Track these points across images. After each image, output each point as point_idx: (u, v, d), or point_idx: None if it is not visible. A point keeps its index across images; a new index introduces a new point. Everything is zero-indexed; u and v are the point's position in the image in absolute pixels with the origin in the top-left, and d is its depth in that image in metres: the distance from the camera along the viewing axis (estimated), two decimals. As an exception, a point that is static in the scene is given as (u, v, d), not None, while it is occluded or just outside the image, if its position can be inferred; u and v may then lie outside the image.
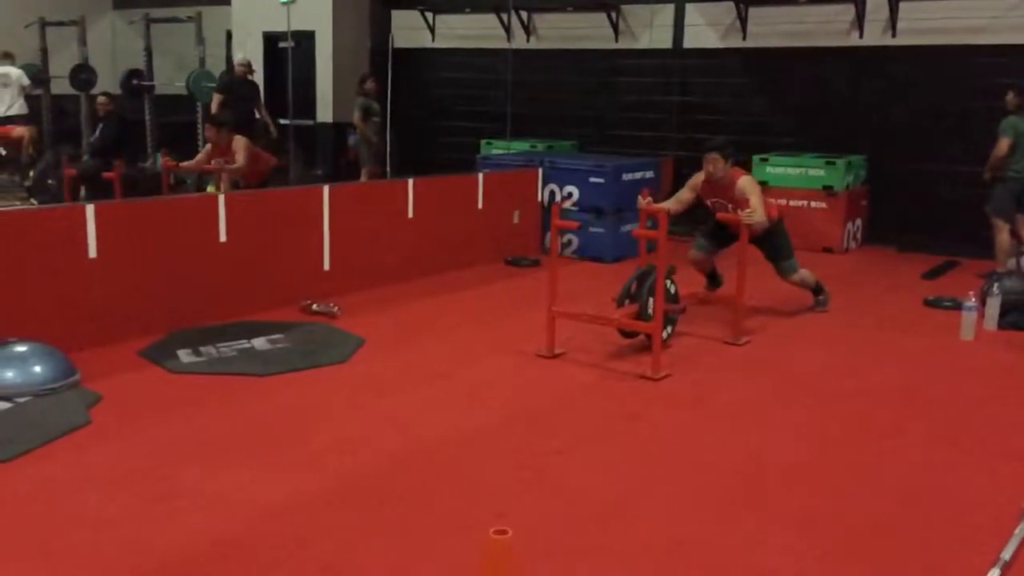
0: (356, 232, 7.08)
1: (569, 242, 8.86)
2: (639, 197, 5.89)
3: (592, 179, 8.79)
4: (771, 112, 10.42)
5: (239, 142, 8.02)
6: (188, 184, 10.07)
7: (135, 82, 13.19)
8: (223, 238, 6.12)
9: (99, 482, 3.63)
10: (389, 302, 6.79)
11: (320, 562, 3.07)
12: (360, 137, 11.32)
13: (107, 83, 13.19)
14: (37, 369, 4.60)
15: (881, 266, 8.90)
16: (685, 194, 6.40)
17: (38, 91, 12.95)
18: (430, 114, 12.74)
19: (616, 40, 11.36)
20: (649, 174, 9.37)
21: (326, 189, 6.98)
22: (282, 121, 12.07)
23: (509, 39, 11.93)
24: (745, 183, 6.14)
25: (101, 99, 11.45)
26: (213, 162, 8.05)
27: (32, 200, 7.85)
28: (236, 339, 5.62)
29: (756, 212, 5.90)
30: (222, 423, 4.32)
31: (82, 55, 13.28)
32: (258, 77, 12.04)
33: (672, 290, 5.65)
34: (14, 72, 11.85)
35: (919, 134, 9.58)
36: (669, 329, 5.64)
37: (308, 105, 12.51)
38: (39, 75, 13.13)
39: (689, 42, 10.89)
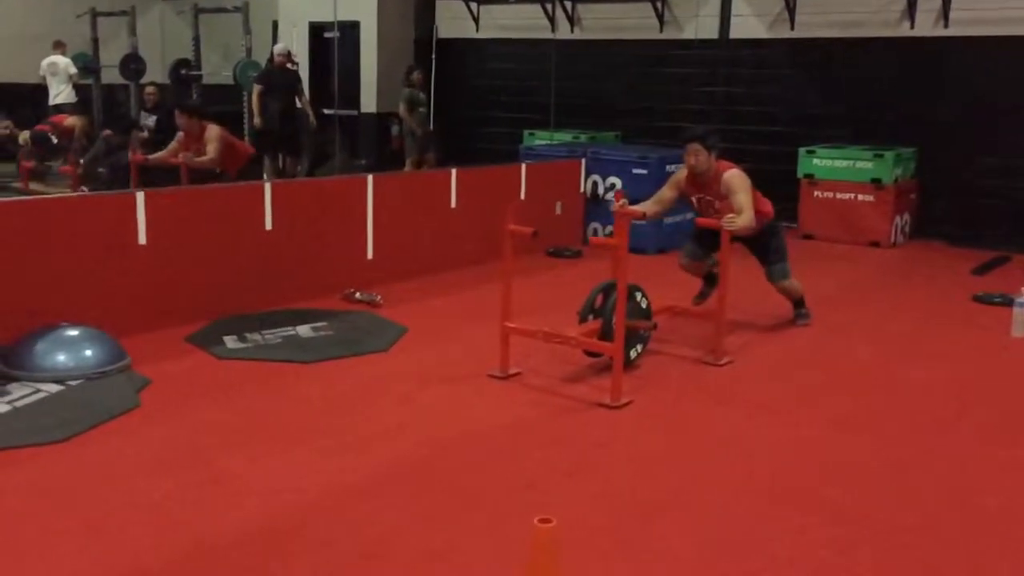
0: (399, 222, 7.12)
1: (609, 233, 8.81)
2: (614, 199, 5.28)
3: (635, 170, 8.75)
4: (818, 104, 10.28)
5: (212, 131, 7.44)
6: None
7: (183, 72, 13.39)
8: (269, 226, 6.19)
9: (148, 464, 3.71)
10: (431, 292, 6.82)
11: (362, 548, 3.11)
12: (405, 128, 11.39)
13: (156, 73, 13.41)
14: (88, 353, 4.70)
15: (929, 261, 8.75)
16: (666, 192, 5.73)
17: (89, 80, 13.20)
18: (473, 105, 12.76)
19: (661, 31, 11.27)
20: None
21: (370, 179, 7.03)
22: (327, 111, 12.17)
23: (553, 29, 11.90)
24: (732, 178, 5.44)
25: (149, 89, 11.64)
26: (180, 156, 7.44)
27: (83, 187, 7.99)
28: (281, 326, 5.69)
29: (744, 214, 5.22)
30: (267, 409, 4.38)
31: (132, 45, 13.51)
32: (303, 67, 12.14)
33: (643, 304, 5.08)
34: (62, 61, 12.09)
35: (971, 126, 9.39)
36: (639, 348, 5.08)
37: (353, 95, 12.60)
38: (90, 64, 13.38)
39: (736, 32, 10.77)
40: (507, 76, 12.54)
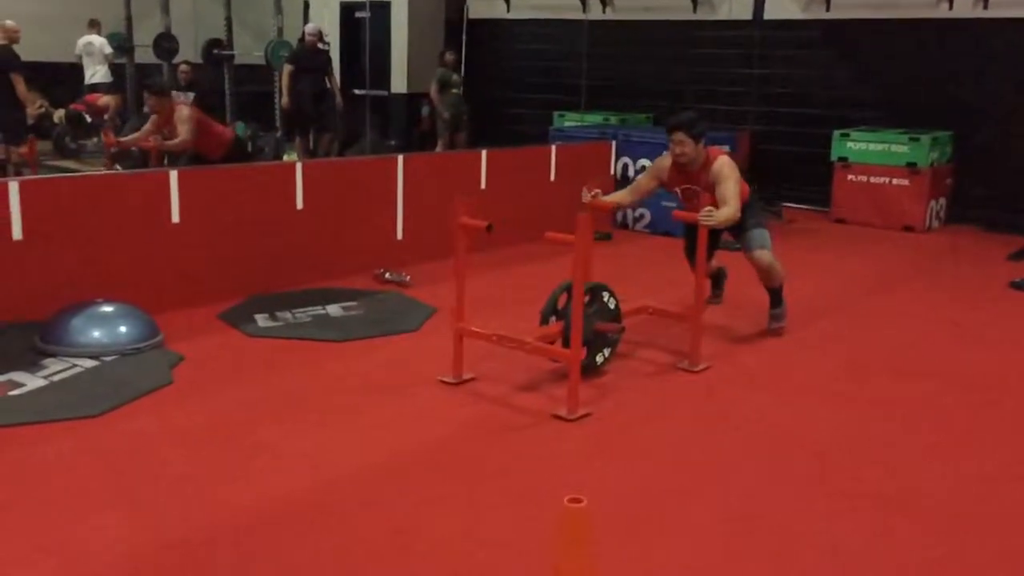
0: (429, 202, 7.13)
1: (641, 216, 8.78)
2: (583, 189, 4.98)
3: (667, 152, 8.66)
4: (853, 86, 10.14)
5: (182, 112, 7.12)
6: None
7: (215, 51, 13.45)
8: (300, 205, 6.23)
9: (181, 439, 3.76)
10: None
11: (391, 524, 3.13)
12: (437, 110, 11.39)
13: (188, 52, 13.48)
14: (123, 329, 4.76)
15: (965, 246, 8.62)
16: (645, 181, 5.30)
17: (122, 60, 13.30)
18: (503, 86, 12.71)
19: (695, 11, 11.16)
20: (725, 148, 9.18)
21: (400, 159, 7.04)
22: (357, 92, 12.19)
23: (585, 10, 11.81)
24: (723, 166, 5.00)
25: (184, 67, 11.71)
26: (151, 138, 7.21)
27: (117, 166, 8.06)
28: (311, 305, 5.73)
29: (728, 206, 4.80)
30: (298, 387, 4.42)
31: (165, 24, 13.58)
32: (334, 47, 12.15)
33: (611, 305, 4.65)
34: (97, 41, 12.19)
35: (1009, 110, 9.21)
36: (606, 352, 4.66)
37: (383, 76, 12.61)
38: (124, 44, 13.47)
39: (770, 13, 10.64)
40: (538, 57, 12.47)
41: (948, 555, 3.06)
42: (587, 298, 4.38)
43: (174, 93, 11.47)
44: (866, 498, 3.43)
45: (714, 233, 5.04)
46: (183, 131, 6.99)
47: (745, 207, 5.14)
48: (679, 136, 4.99)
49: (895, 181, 9.22)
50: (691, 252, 5.28)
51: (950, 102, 9.54)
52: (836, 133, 9.55)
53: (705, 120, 5.16)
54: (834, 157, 9.57)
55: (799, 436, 4.04)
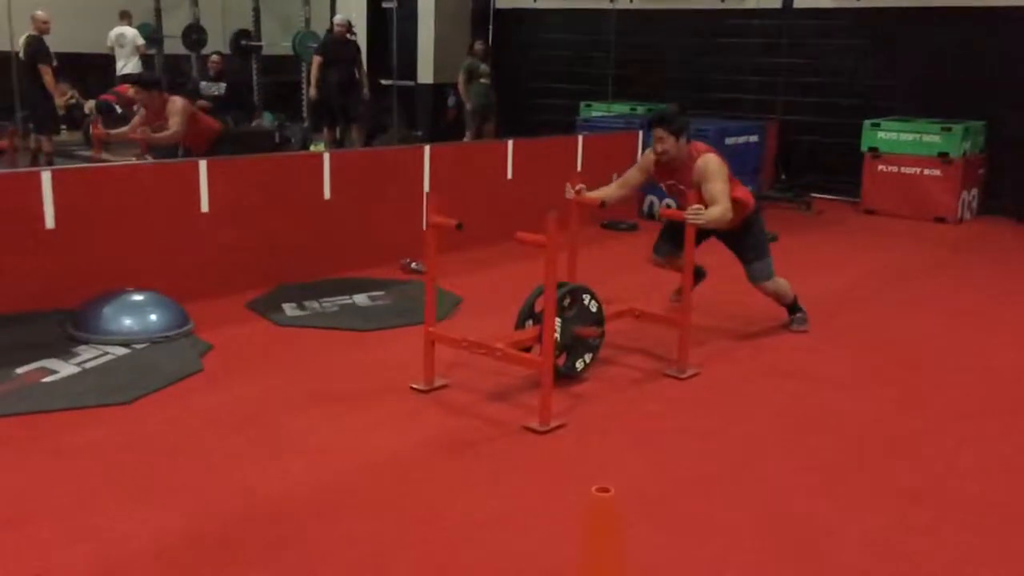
0: (455, 192, 7.11)
1: (669, 206, 8.72)
2: (567, 185, 4.77)
3: (694, 143, 8.62)
4: (884, 75, 10.01)
5: (175, 105, 6.89)
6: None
7: (243, 42, 13.52)
8: (327, 196, 6.26)
9: (210, 426, 3.80)
10: (486, 263, 6.83)
11: (421, 509, 3.16)
12: (462, 99, 11.40)
13: (217, 43, 13.56)
14: (153, 317, 4.82)
15: (997, 238, 8.52)
16: (633, 175, 5.10)
17: (152, 51, 13.40)
18: (530, 76, 12.68)
19: (723, 0, 11.06)
20: (753, 138, 9.16)
21: (427, 149, 7.05)
22: (384, 82, 12.20)
23: (612, -1, 11.75)
24: (707, 164, 4.75)
25: (214, 58, 11.78)
26: (139, 131, 7.05)
27: (147, 155, 8.14)
28: (338, 295, 5.76)
29: (717, 206, 4.58)
30: (325, 375, 4.45)
31: (194, 15, 13.67)
32: (361, 37, 12.17)
33: (592, 308, 4.41)
34: (129, 32, 12.29)
35: (1044, 99, 9.07)
36: (587, 358, 4.41)
37: (409, 66, 12.61)
38: (153, 35, 13.58)
39: (799, 1, 10.53)
40: (564, 47, 12.42)
41: (979, 548, 3.03)
42: (567, 301, 4.23)
43: (203, 84, 11.58)
44: (896, 491, 3.41)
45: (699, 232, 4.75)
46: (174, 123, 6.84)
47: (746, 226, 5.01)
48: (659, 132, 4.78)
49: (926, 171, 9.11)
50: (669, 251, 5.15)
51: (983, 91, 9.41)
52: (866, 123, 9.45)
53: (686, 115, 4.93)
54: (864, 147, 9.47)
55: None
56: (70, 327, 4.74)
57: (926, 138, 9.10)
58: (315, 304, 5.56)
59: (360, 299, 5.71)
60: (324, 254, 6.25)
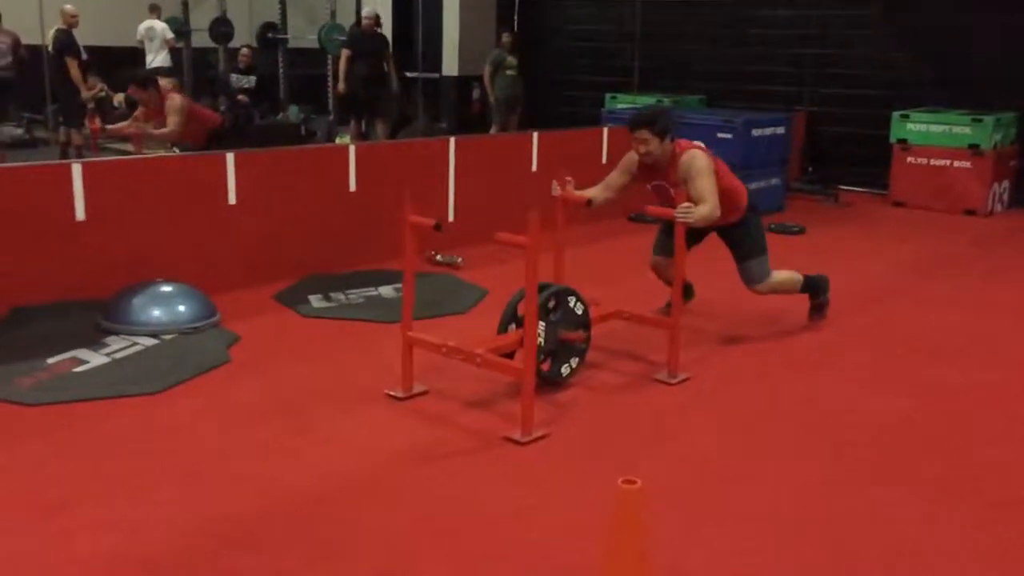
0: (480, 184, 7.15)
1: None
2: (554, 183, 4.60)
3: (720, 134, 8.57)
4: (913, 65, 9.89)
5: (174, 102, 6.86)
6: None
7: (270, 35, 13.60)
8: (353, 188, 6.29)
9: (237, 417, 3.84)
10: (511, 255, 6.79)
11: (447, 501, 3.18)
12: (487, 91, 11.41)
13: (243, 36, 13.64)
14: (181, 308, 4.87)
15: (1028, 231, 8.40)
16: (616, 177, 4.85)
17: (180, 44, 13.51)
18: (555, 67, 12.66)
19: (749, -10, 10.99)
20: (780, 130, 9.07)
21: (452, 141, 7.07)
22: (409, 74, 12.22)
23: (638, -10, 11.69)
24: (692, 160, 4.54)
25: (244, 51, 11.85)
26: (134, 126, 7.04)
27: (174, 148, 8.21)
28: (364, 286, 5.79)
29: (704, 204, 4.39)
30: (350, 367, 4.48)
31: (221, 8, 13.75)
32: (386, 29, 12.20)
33: (578, 310, 4.23)
34: (159, 26, 12.40)
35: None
36: (573, 363, 4.22)
37: (435, 58, 12.63)
38: (181, 28, 13.68)
39: (828, -9, 10.43)
40: (590, 37, 12.38)
41: (1007, 545, 3.00)
42: (551, 303, 4.08)
43: (233, 76, 11.65)
44: (923, 487, 3.38)
45: (693, 232, 4.67)
46: (172, 122, 6.83)
47: (740, 223, 4.81)
48: (642, 134, 4.53)
49: (956, 163, 9.00)
50: (664, 249, 4.93)
51: (1015, 81, 9.27)
52: (895, 114, 9.34)
53: (669, 115, 4.73)
54: (893, 139, 9.37)
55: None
56: (100, 318, 4.80)
57: (956, 129, 8.99)
58: (341, 296, 5.59)
59: (385, 291, 5.74)
60: (350, 246, 6.28)
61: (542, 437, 3.67)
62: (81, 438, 3.60)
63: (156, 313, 4.80)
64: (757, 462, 3.57)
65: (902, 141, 9.32)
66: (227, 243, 5.66)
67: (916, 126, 9.23)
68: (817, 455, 3.63)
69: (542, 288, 3.98)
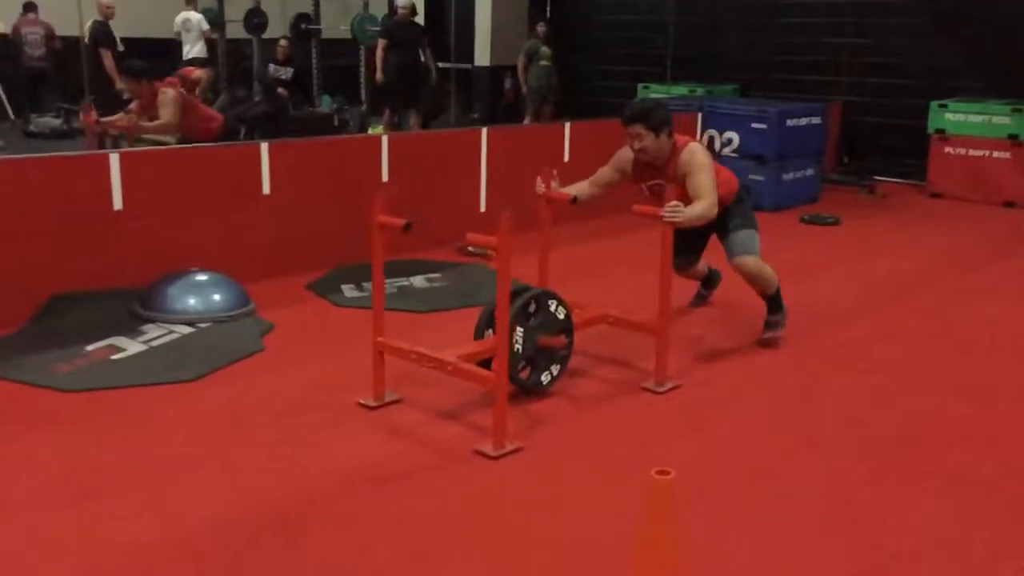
0: (512, 175, 7.13)
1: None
2: (537, 180, 4.36)
3: (754, 124, 8.50)
4: (952, 54, 9.74)
5: (166, 95, 6.65)
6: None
7: (303, 26, 13.65)
8: (385, 178, 6.32)
9: (272, 405, 3.88)
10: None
11: (475, 492, 3.19)
12: (519, 81, 11.40)
13: (277, 27, 13.71)
14: (216, 297, 4.93)
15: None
16: (607, 173, 4.56)
17: (215, 35, 13.62)
18: (588, 57, 12.62)
19: (785, -22, 10.87)
20: (815, 120, 8.97)
21: (484, 131, 7.07)
22: (442, 64, 12.22)
23: (671, -21, 11.61)
24: (693, 155, 4.27)
25: (282, 43, 11.92)
26: (127, 119, 6.84)
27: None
28: (396, 277, 5.81)
29: (702, 201, 4.13)
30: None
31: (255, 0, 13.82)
32: (419, 20, 12.20)
33: (560, 315, 3.99)
34: (195, 17, 12.50)
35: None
36: (554, 371, 3.98)
37: (467, 48, 12.63)
38: (216, 19, 13.78)
39: (865, -22, 10.30)
40: (623, 28, 12.32)
41: (1044, 541, 2.96)
42: (531, 307, 3.87)
43: (271, 67, 11.71)
44: (955, 482, 3.35)
45: (697, 231, 4.45)
46: (164, 114, 6.62)
47: (731, 204, 4.50)
48: (636, 129, 4.22)
49: (996, 154, 8.86)
50: (681, 261, 4.68)
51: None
52: (933, 104, 9.20)
53: (665, 108, 4.39)
54: (931, 129, 9.23)
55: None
56: (137, 306, 4.87)
57: (995, 119, 8.83)
58: (373, 285, 5.62)
59: (417, 281, 5.77)
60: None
61: (515, 451, 3.44)
62: (118, 424, 3.66)
63: (192, 302, 4.86)
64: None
65: (940, 131, 9.18)
66: (261, 232, 5.71)
67: (954, 116, 9.09)
68: (840, 457, 3.60)
69: (521, 291, 3.84)
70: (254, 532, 2.90)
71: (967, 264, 6.58)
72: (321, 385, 4.10)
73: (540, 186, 4.35)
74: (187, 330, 4.69)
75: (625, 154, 4.45)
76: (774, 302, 4.67)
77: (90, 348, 4.40)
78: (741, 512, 3.10)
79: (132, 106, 7.04)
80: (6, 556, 2.74)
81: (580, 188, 4.56)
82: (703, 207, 4.13)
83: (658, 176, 4.37)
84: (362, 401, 3.88)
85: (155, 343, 4.51)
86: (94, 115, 7.18)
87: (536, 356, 3.92)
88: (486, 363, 3.69)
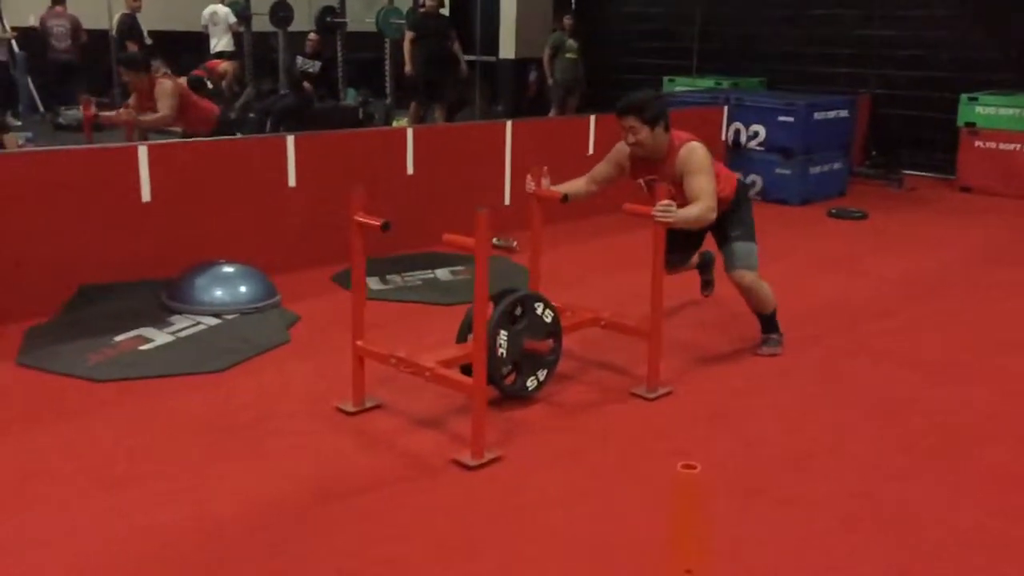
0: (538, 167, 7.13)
1: (753, 183, 8.57)
2: (527, 178, 4.20)
3: (781, 118, 8.44)
4: (982, 47, 9.61)
5: (163, 87, 6.64)
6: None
7: (328, 19, 13.68)
8: (410, 171, 6.33)
9: (298, 396, 3.91)
10: (566, 239, 6.81)
11: (502, 483, 3.20)
12: (544, 74, 11.37)
13: (303, 20, 13.75)
14: (243, 289, 4.96)
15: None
16: (603, 169, 4.42)
17: (241, 28, 13.70)
18: (614, 49, 12.56)
19: (812, -30, 10.76)
20: (843, 113, 8.89)
21: (508, 124, 7.06)
22: (467, 57, 12.21)
23: (697, -30, 11.53)
24: (691, 153, 4.07)
25: (311, 36, 11.97)
26: (124, 113, 6.82)
27: (236, 132, 8.33)
28: (420, 269, 5.84)
29: (699, 203, 3.95)
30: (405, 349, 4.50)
31: (282, -8, 13.87)
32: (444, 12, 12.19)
33: (547, 318, 3.84)
34: (222, 10, 12.58)
35: None
36: (540, 376, 3.84)
37: (491, 41, 12.62)
38: (242, 12, 13.85)
39: (894, -30, 10.18)
40: (648, 20, 12.26)
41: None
42: (518, 311, 3.74)
43: (300, 60, 11.75)
44: (989, 477, 3.31)
45: (692, 236, 4.35)
46: (162, 106, 6.63)
47: (732, 208, 4.31)
48: (629, 122, 4.05)
49: (1028, 148, 8.74)
50: (674, 260, 4.42)
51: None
52: (963, 97, 9.09)
53: (661, 99, 4.13)
54: (960, 122, 9.12)
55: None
56: (165, 297, 4.92)
57: (1027, 113, 8.72)
58: (398, 278, 5.64)
59: (442, 273, 5.78)
60: (407, 228, 6.24)
61: (495, 460, 3.31)
62: (146, 414, 3.70)
63: (219, 293, 4.90)
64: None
65: (970, 124, 9.07)
66: (287, 225, 5.74)
67: (985, 109, 8.97)
68: (868, 454, 3.57)
69: (505, 294, 3.74)
70: (285, 519, 2.92)
71: (999, 258, 6.49)
72: (345, 377, 4.10)
73: (530, 184, 4.19)
74: (214, 321, 4.73)
75: (623, 148, 4.29)
76: (770, 323, 4.48)
77: (119, 339, 4.45)
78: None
79: (130, 100, 7.04)
80: (37, 541, 2.78)
81: (577, 185, 4.41)
82: (700, 210, 3.95)
83: (655, 173, 4.19)
84: (342, 407, 3.75)
85: (182, 334, 4.55)
86: (93, 110, 7.19)
87: (521, 361, 3.78)
88: (469, 368, 3.53)
